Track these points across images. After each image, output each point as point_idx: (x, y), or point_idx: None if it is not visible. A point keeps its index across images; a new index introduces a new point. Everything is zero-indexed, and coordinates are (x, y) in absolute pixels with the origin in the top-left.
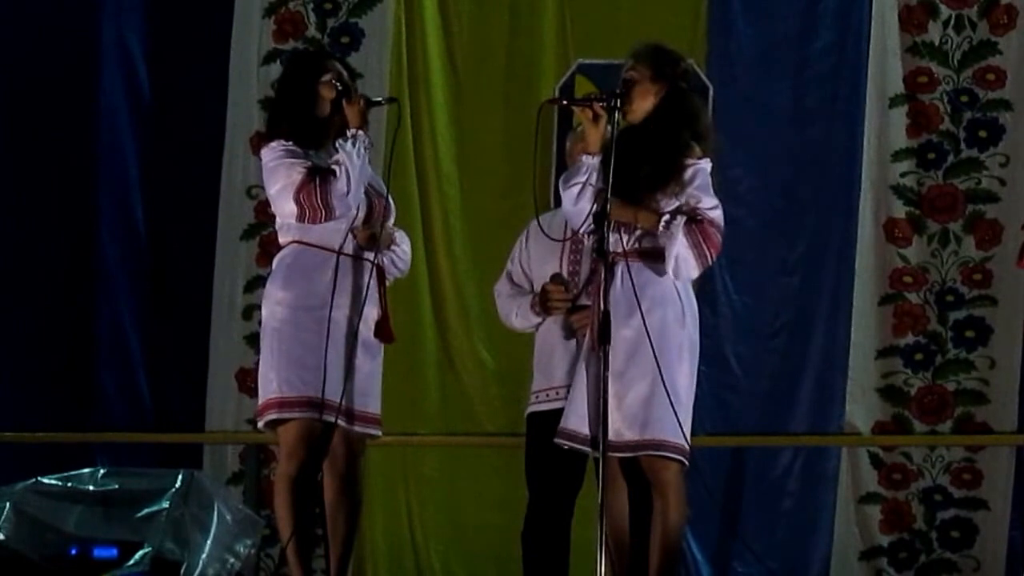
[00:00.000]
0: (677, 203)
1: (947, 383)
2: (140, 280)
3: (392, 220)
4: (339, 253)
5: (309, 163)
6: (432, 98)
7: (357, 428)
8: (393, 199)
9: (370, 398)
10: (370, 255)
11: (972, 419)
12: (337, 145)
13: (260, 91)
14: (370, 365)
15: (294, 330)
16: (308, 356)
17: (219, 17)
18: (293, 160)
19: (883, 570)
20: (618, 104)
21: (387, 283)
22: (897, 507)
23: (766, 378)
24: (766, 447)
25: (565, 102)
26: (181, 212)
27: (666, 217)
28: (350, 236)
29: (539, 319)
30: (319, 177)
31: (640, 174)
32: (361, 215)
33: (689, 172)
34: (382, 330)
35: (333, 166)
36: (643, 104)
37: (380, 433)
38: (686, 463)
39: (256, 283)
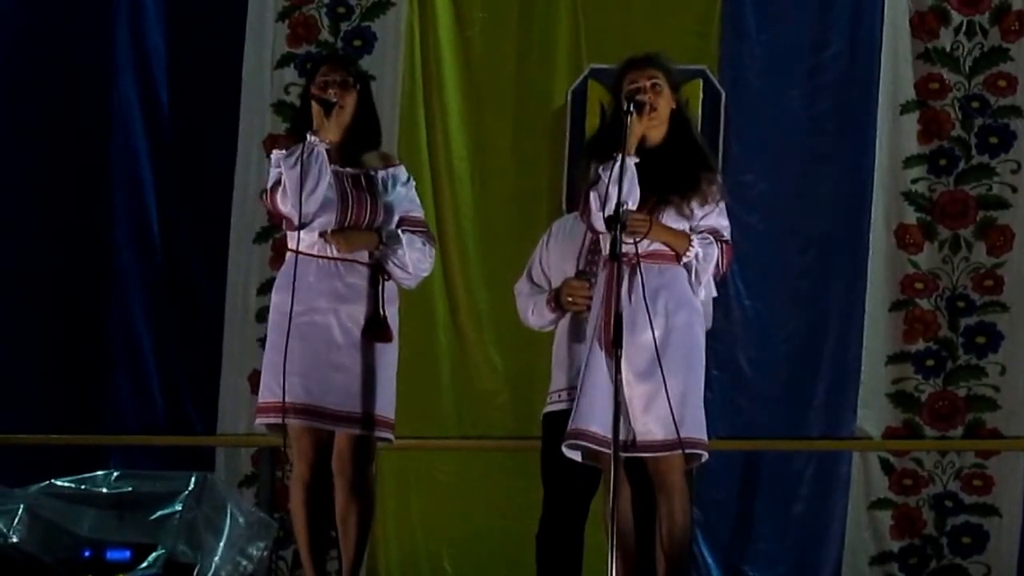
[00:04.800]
0: (703, 214)
1: (958, 389)
2: (153, 282)
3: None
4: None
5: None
6: (445, 102)
7: (357, 431)
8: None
9: (375, 402)
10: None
11: (983, 425)
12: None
13: (273, 95)
14: (363, 364)
15: (276, 336)
16: (282, 361)
17: (232, 21)
18: (273, 169)
19: (893, 575)
20: (631, 109)
21: (382, 283)
22: (908, 513)
23: (778, 383)
24: (778, 452)
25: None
26: (194, 215)
27: (695, 246)
28: (332, 241)
29: (554, 316)
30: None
31: (679, 181)
32: (331, 220)
33: (717, 182)
34: (372, 330)
35: None
36: (665, 112)
37: (392, 437)
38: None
39: (269, 286)
